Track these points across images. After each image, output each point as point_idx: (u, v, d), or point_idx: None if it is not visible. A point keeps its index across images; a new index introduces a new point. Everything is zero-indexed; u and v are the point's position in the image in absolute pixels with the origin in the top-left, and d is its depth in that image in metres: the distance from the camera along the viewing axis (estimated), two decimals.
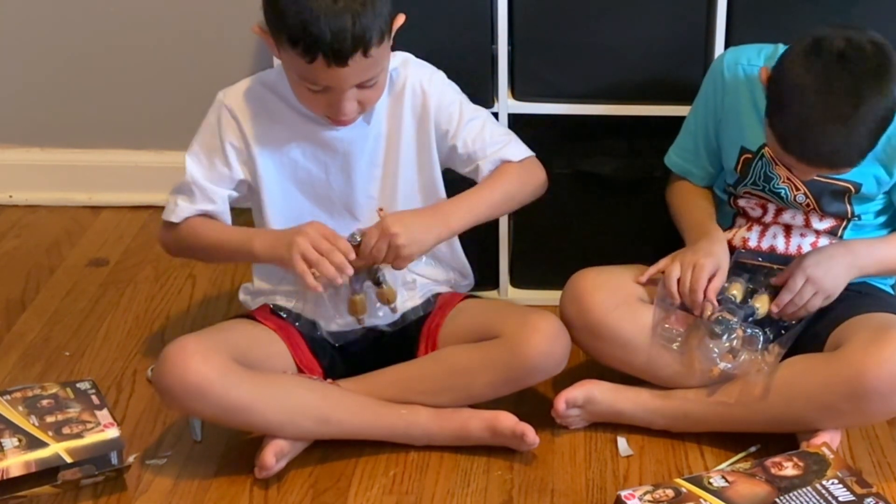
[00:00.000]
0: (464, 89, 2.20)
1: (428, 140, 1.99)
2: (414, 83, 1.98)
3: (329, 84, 1.81)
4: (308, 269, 1.82)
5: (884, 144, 1.88)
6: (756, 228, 2.03)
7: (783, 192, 1.98)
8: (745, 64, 1.99)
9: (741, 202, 2.04)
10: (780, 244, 2.01)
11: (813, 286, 1.89)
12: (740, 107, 1.99)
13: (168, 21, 2.69)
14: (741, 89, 1.99)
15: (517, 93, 2.25)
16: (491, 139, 2.00)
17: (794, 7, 2.13)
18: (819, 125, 1.77)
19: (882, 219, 2.01)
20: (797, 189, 1.97)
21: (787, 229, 2.02)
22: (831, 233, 2.00)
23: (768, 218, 2.02)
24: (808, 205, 1.98)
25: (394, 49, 1.95)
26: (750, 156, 1.99)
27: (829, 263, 1.91)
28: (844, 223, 2.00)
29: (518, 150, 2.02)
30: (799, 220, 2.00)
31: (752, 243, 2.02)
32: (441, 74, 2.01)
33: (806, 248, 2.00)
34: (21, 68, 2.76)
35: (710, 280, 1.92)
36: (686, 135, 2.10)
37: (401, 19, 1.85)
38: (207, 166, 1.95)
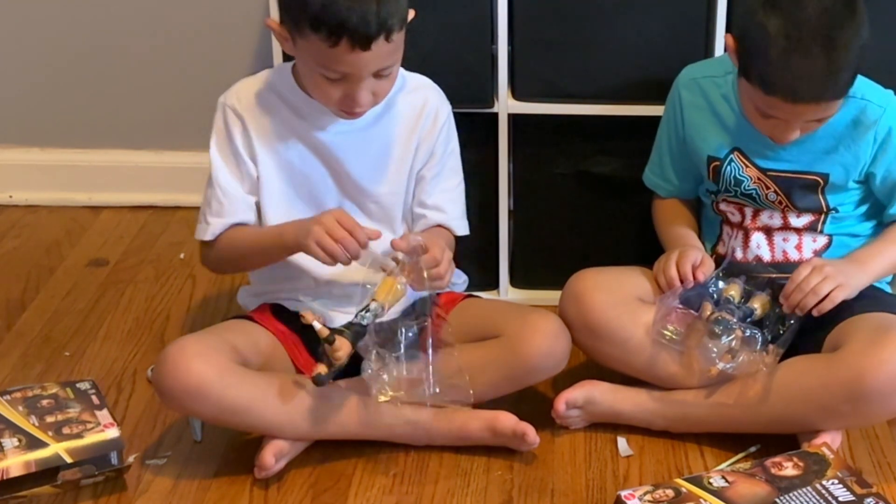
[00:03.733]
0: (464, 89, 2.21)
1: (418, 161, 2.01)
2: (430, 109, 2.01)
3: (349, 70, 1.81)
4: (325, 254, 1.82)
5: (848, 127, 1.92)
6: (739, 236, 2.04)
7: (754, 192, 1.99)
8: (699, 77, 2.02)
9: (722, 206, 2.06)
10: (764, 253, 2.02)
11: (820, 273, 1.88)
12: (701, 119, 2.04)
13: (168, 21, 2.69)
14: (699, 102, 2.04)
15: (517, 93, 2.25)
16: (459, 203, 2.06)
17: None
18: (798, 50, 1.78)
19: (863, 209, 2.01)
20: (767, 188, 1.98)
21: (769, 234, 2.02)
22: (811, 229, 2.00)
23: (747, 221, 2.03)
24: (780, 202, 1.98)
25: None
26: (718, 162, 2.02)
27: (835, 263, 1.93)
28: (822, 217, 2.00)
29: (464, 226, 2.07)
30: (777, 219, 2.01)
31: (738, 255, 2.03)
32: (449, 105, 2.05)
33: (791, 252, 2.01)
34: (21, 68, 2.76)
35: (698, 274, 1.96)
36: (655, 150, 2.15)
37: (411, 13, 1.87)
38: (230, 169, 1.95)
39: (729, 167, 2.01)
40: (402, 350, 1.84)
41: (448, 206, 2.05)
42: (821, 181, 1.96)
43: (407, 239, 1.85)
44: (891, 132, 1.93)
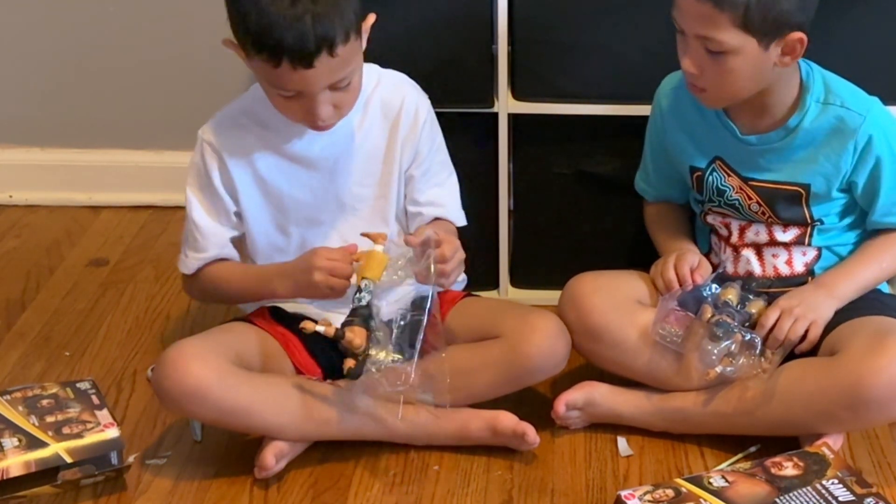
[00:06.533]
0: (464, 89, 2.21)
1: (404, 161, 2.01)
2: (409, 106, 2.00)
3: (299, 88, 1.81)
4: (336, 293, 1.86)
5: (827, 136, 1.90)
6: (728, 251, 2.04)
7: (737, 202, 1.99)
8: (679, 86, 2.01)
9: (709, 219, 2.06)
10: (755, 268, 2.01)
11: (790, 316, 1.88)
12: (682, 129, 2.03)
13: (168, 21, 2.69)
14: (679, 112, 2.03)
15: (517, 93, 2.25)
16: (454, 195, 2.07)
17: None
18: None
19: (848, 220, 2.00)
20: (750, 198, 1.97)
21: (758, 251, 2.01)
22: (799, 243, 2.00)
23: (735, 238, 2.02)
24: (763, 213, 1.98)
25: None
26: (700, 172, 2.01)
27: (802, 295, 1.92)
28: (808, 230, 1.99)
29: (462, 217, 2.07)
30: (763, 235, 2.00)
31: (729, 269, 2.03)
32: (429, 100, 2.04)
33: (782, 267, 2.00)
34: (21, 68, 2.76)
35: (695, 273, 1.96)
36: (642, 158, 2.15)
37: (371, 18, 1.86)
38: (206, 206, 1.96)
39: (711, 177, 2.00)
40: (393, 339, 1.83)
41: (444, 200, 2.05)
42: (802, 192, 1.95)
43: (421, 234, 1.85)
44: (871, 140, 1.90)
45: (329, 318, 1.98)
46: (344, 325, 1.82)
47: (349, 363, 1.81)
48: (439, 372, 1.85)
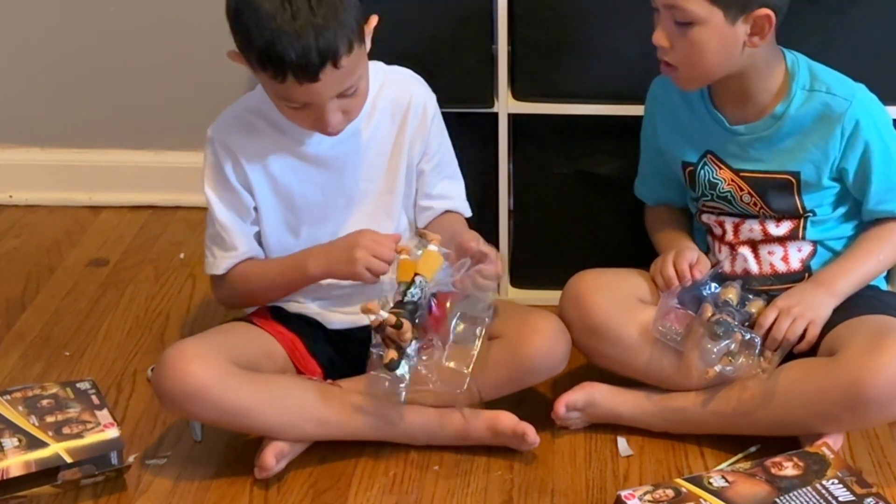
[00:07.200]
0: (464, 89, 2.21)
1: (413, 156, 2.01)
2: (417, 102, 2.00)
3: (307, 100, 1.81)
4: (373, 276, 1.84)
5: (815, 122, 1.90)
6: (724, 250, 2.03)
7: (729, 195, 1.99)
8: (668, 85, 2.01)
9: (703, 218, 2.06)
10: (752, 267, 2.01)
11: (788, 316, 1.88)
12: (672, 127, 2.04)
13: (168, 21, 2.69)
14: (669, 110, 2.04)
15: (517, 93, 2.25)
16: (461, 186, 2.08)
17: (795, 7, 2.13)
18: None
19: (842, 210, 1.99)
20: (741, 189, 1.98)
21: (754, 248, 2.01)
22: (793, 237, 1.99)
23: (730, 236, 2.02)
24: (755, 204, 1.98)
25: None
26: (692, 167, 2.02)
27: (801, 295, 1.92)
28: (801, 222, 1.99)
29: (468, 207, 2.08)
30: (757, 231, 2.00)
31: (726, 268, 2.02)
32: (434, 95, 2.04)
33: (778, 264, 2.00)
34: (21, 68, 2.76)
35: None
36: (640, 162, 2.16)
37: (373, 21, 1.85)
38: (226, 204, 1.95)
39: (703, 171, 2.00)
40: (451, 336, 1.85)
41: (453, 192, 2.06)
42: (793, 180, 1.95)
43: (478, 243, 1.86)
44: (858, 125, 1.90)
45: (330, 318, 1.99)
46: (394, 314, 1.80)
47: (391, 354, 1.80)
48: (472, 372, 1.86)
